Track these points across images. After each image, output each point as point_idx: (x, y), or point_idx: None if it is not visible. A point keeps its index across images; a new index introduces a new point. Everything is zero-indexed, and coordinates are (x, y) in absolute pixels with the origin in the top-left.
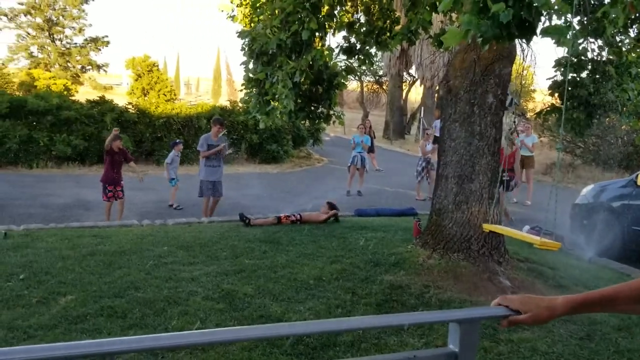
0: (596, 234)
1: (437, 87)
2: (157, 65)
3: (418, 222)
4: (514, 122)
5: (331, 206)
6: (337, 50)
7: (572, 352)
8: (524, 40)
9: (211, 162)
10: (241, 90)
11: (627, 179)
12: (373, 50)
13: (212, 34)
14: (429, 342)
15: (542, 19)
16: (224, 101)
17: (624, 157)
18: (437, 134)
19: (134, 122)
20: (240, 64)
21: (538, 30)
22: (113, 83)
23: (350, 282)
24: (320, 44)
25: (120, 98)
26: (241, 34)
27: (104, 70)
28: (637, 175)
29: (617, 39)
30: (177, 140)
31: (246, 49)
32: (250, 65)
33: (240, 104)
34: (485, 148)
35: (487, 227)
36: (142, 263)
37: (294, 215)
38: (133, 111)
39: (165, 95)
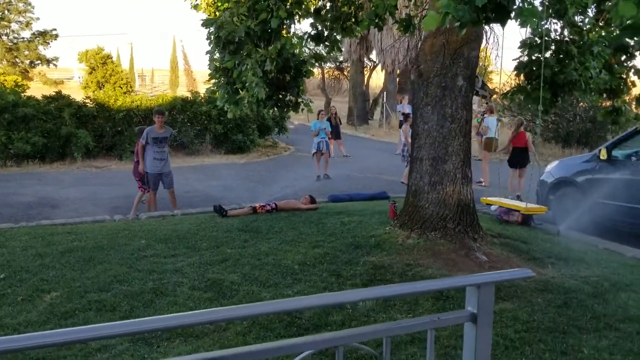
0: (562, 208)
1: (399, 72)
2: (111, 57)
3: (394, 205)
4: (486, 103)
5: (312, 199)
6: (305, 38)
7: (552, 320)
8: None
9: (157, 155)
10: (209, 80)
11: (590, 154)
12: (339, 37)
13: (165, 23)
14: (417, 316)
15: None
16: (183, 92)
17: (583, 134)
18: (401, 119)
19: (93, 117)
20: (206, 53)
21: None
22: (64, 77)
23: (334, 265)
24: (285, 32)
25: (74, 92)
26: (206, 23)
27: (54, 65)
28: (600, 150)
29: (578, 19)
30: (141, 127)
31: (212, 37)
32: (216, 55)
33: (202, 94)
34: (457, 130)
35: (485, 200)
36: (122, 257)
37: (269, 205)
38: (91, 105)
39: (122, 88)
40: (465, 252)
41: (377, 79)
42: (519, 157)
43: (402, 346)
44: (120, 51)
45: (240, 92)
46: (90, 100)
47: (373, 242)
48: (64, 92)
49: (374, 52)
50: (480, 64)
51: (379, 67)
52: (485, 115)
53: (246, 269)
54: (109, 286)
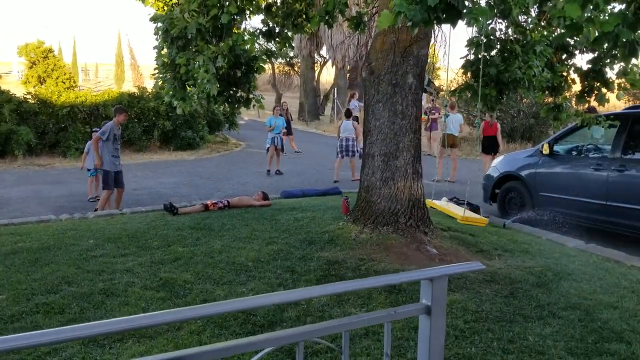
0: (508, 201)
1: (349, 68)
2: (53, 51)
3: (346, 200)
4: (432, 100)
5: (265, 196)
6: (256, 34)
7: (499, 309)
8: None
9: (115, 153)
10: (154, 75)
11: (533, 149)
12: (290, 33)
13: (110, 17)
14: (370, 310)
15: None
16: (128, 87)
17: (527, 129)
18: (356, 114)
19: (35, 113)
20: (154, 48)
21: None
22: (2, 72)
23: (288, 261)
24: (236, 28)
25: (13, 87)
26: (154, 18)
27: None
28: (542, 145)
29: (522, 19)
30: (97, 129)
31: (160, 33)
32: (164, 50)
33: (149, 90)
34: (407, 126)
35: (430, 202)
36: (69, 258)
37: (221, 202)
38: (33, 101)
39: (64, 83)
40: (417, 245)
41: (327, 75)
42: (491, 144)
43: (356, 340)
44: (63, 45)
45: (189, 87)
46: (32, 96)
47: (326, 237)
48: (3, 87)
49: (324, 48)
50: (428, 61)
51: (329, 63)
52: (447, 112)
53: (199, 268)
54: (57, 288)
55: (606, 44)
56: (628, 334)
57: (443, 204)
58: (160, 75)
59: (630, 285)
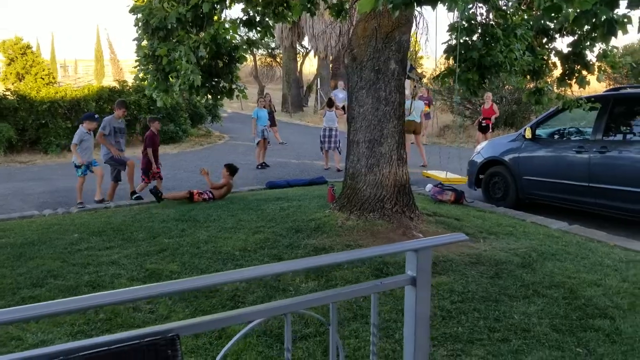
0: (492, 186)
1: (331, 58)
2: (31, 48)
3: (332, 188)
4: (415, 87)
5: (230, 168)
6: (237, 23)
7: (485, 290)
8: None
9: (117, 146)
10: (135, 67)
11: (516, 133)
12: (271, 22)
13: (88, 12)
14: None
15: None
16: (109, 82)
17: (509, 115)
18: (338, 103)
19: (15, 109)
20: (133, 40)
21: None
22: None
23: (276, 249)
24: (217, 17)
25: None
26: (133, 9)
27: None
28: (525, 130)
29: (502, 3)
30: (90, 114)
31: (139, 24)
32: (145, 42)
33: (129, 83)
34: (391, 112)
35: (425, 173)
36: (54, 252)
37: (206, 194)
38: (12, 97)
39: (44, 79)
40: (403, 230)
41: (310, 66)
42: (486, 124)
43: (345, 323)
44: (41, 41)
45: (171, 79)
46: (11, 93)
47: (313, 225)
48: None
49: (306, 38)
50: (410, 48)
51: (311, 53)
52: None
53: (185, 258)
54: (42, 281)
55: (585, 24)
56: (611, 310)
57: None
58: (142, 68)
59: (613, 263)
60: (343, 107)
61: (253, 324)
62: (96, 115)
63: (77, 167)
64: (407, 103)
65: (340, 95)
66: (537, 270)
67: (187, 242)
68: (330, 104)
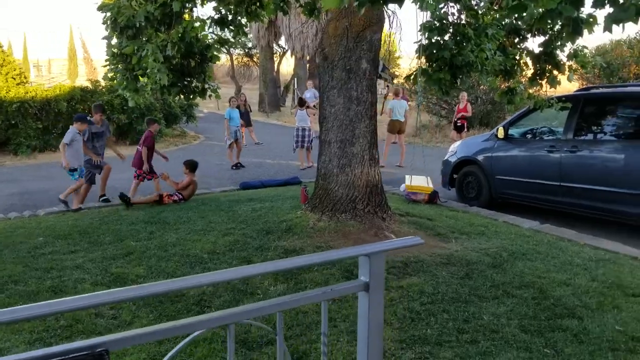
0: (466, 185)
1: (308, 58)
2: (2, 47)
3: (305, 189)
4: (387, 87)
5: (190, 165)
6: (208, 22)
7: (455, 291)
8: (396, 5)
9: (95, 150)
10: (105, 66)
11: (489, 133)
12: (244, 21)
13: (60, 11)
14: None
15: None
16: (82, 81)
17: (484, 115)
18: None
19: None
20: (102, 39)
21: None
22: None
23: (245, 251)
24: (189, 15)
25: None
26: (102, 7)
27: None
28: (497, 129)
29: (474, 2)
30: (81, 115)
31: (108, 22)
32: (114, 40)
33: (102, 83)
34: (363, 112)
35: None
36: (17, 256)
37: (176, 195)
38: None
39: (15, 79)
40: (375, 231)
41: (287, 65)
42: (461, 124)
43: (312, 327)
44: (12, 41)
45: (141, 78)
46: None
47: (284, 226)
48: None
49: (282, 38)
50: (385, 48)
51: (288, 53)
52: (390, 98)
53: (152, 262)
54: (2, 287)
55: (551, 22)
56: (580, 310)
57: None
58: (112, 67)
59: (583, 262)
60: (314, 106)
61: (192, 337)
62: (88, 117)
63: (72, 171)
64: (391, 103)
65: (307, 95)
66: (508, 270)
67: (155, 245)
68: (302, 103)
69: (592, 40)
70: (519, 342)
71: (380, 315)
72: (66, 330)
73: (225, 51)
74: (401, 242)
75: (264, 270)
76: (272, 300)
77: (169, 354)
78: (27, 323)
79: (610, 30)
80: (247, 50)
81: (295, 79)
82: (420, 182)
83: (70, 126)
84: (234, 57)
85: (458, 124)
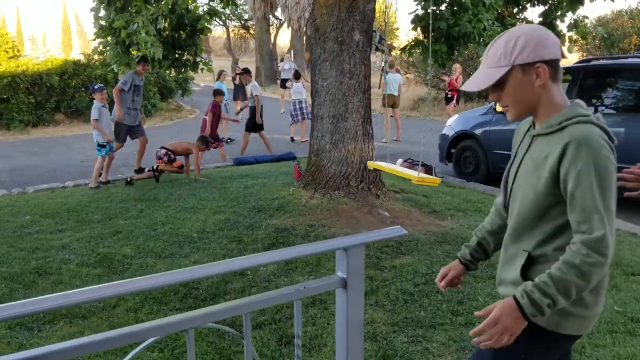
0: (463, 160)
1: (305, 29)
2: None
3: (298, 165)
4: (385, 60)
5: (204, 140)
6: None
7: None
8: None
9: (131, 105)
10: (93, 40)
11: (486, 106)
12: None
13: None
14: (320, 277)
15: None
16: (77, 54)
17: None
18: (286, 77)
19: None
20: (90, 10)
21: None
22: None
23: (235, 230)
24: None
25: None
26: None
27: None
28: (495, 102)
29: None
30: (96, 86)
31: None
32: (102, 12)
33: (95, 57)
34: (356, 86)
35: (371, 164)
36: (2, 236)
37: (165, 155)
38: None
39: (7, 52)
40: (368, 209)
41: (285, 38)
42: (451, 95)
43: (302, 310)
44: (6, 14)
45: (133, 51)
46: None
47: (276, 204)
48: None
49: (278, 9)
50: (382, 19)
51: (285, 24)
52: (387, 72)
53: (140, 241)
54: None
55: None
56: None
57: (391, 166)
58: (101, 40)
59: None
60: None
61: (146, 344)
62: (96, 85)
63: (101, 146)
64: (385, 76)
65: (285, 67)
66: None
67: (144, 223)
68: (297, 75)
69: (592, 10)
70: None
71: (360, 313)
72: (49, 314)
73: (219, 23)
74: (382, 234)
75: (217, 272)
76: (239, 301)
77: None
78: None
79: None
80: (243, 22)
81: (292, 51)
82: (423, 174)
83: (94, 100)
84: (230, 29)
85: (448, 96)
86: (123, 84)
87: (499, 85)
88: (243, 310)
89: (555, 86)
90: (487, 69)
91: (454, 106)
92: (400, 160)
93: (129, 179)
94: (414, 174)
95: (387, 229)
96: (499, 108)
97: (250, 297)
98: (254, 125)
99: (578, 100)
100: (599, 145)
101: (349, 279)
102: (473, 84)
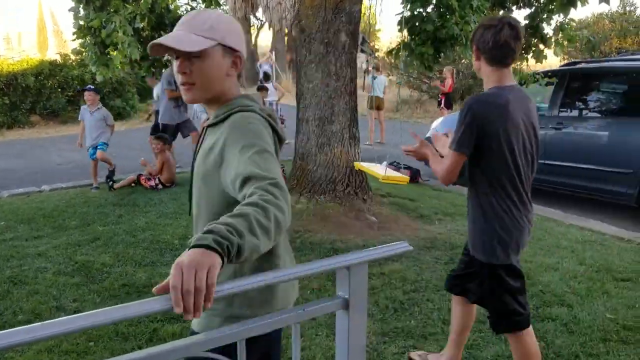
0: None
1: (286, 31)
2: None
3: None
4: (367, 61)
5: (161, 138)
6: None
7: (439, 277)
8: None
9: (176, 102)
10: (73, 40)
11: None
12: None
13: None
14: (323, 294)
15: None
16: (52, 54)
17: (466, 90)
18: (261, 77)
19: None
20: (69, 10)
21: None
22: None
23: None
24: None
25: None
26: None
27: None
28: None
29: None
30: (89, 87)
31: None
32: (81, 12)
33: (72, 57)
34: (342, 88)
35: (357, 165)
36: None
37: (154, 180)
38: None
39: None
40: (355, 214)
41: (266, 39)
42: (447, 100)
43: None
44: None
45: (112, 52)
46: None
47: None
48: None
49: (259, 9)
50: (364, 20)
51: (266, 25)
52: (373, 74)
53: (119, 248)
54: None
55: None
56: (569, 297)
57: (365, 165)
58: (80, 40)
59: (570, 244)
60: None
61: None
62: (88, 86)
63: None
64: (369, 79)
65: (265, 67)
66: None
67: (123, 229)
68: (267, 77)
69: (573, 14)
70: None
71: (362, 336)
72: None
73: None
74: (387, 250)
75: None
76: (231, 328)
77: None
78: None
79: (607, 2)
80: None
81: (273, 52)
82: (390, 172)
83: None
84: None
85: (438, 99)
86: (169, 84)
87: (198, 57)
88: (237, 338)
89: (235, 82)
90: (194, 35)
91: (448, 111)
92: (385, 163)
93: (111, 184)
94: (381, 172)
95: (392, 244)
96: None
97: (241, 323)
98: None
99: (248, 94)
100: (250, 117)
101: (351, 299)
102: (186, 44)
